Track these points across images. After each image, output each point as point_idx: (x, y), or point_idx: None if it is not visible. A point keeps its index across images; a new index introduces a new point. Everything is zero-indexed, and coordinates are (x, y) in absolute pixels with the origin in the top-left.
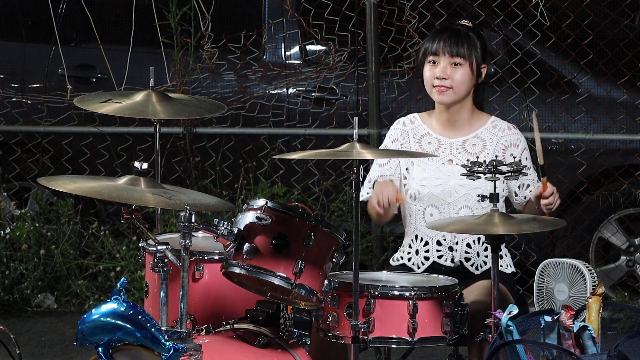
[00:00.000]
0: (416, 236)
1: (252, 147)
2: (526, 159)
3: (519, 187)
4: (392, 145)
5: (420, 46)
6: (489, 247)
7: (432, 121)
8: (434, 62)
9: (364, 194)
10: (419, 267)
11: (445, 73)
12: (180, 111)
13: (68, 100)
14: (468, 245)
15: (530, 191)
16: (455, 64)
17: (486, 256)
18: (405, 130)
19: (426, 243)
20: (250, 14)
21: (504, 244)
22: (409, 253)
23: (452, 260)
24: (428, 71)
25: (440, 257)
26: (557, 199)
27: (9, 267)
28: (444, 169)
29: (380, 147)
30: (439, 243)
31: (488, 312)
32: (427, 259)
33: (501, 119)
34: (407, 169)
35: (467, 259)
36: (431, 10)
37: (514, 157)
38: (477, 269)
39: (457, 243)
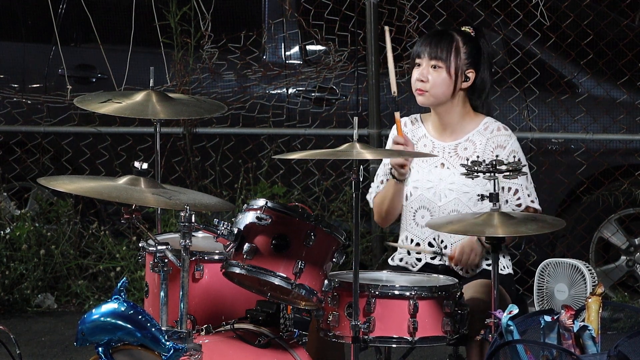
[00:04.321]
0: (406, 237)
1: (252, 147)
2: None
3: (502, 189)
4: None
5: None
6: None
7: (429, 124)
8: (418, 65)
9: (372, 192)
10: (413, 267)
11: (423, 75)
12: (180, 111)
13: (68, 100)
14: None
15: (518, 198)
16: (434, 67)
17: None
18: (405, 131)
19: (417, 244)
20: (250, 14)
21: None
22: (400, 253)
23: (441, 259)
24: (413, 74)
25: (433, 258)
26: (471, 258)
27: (9, 267)
28: (436, 172)
29: (387, 147)
30: (430, 245)
31: (488, 312)
32: (419, 260)
33: (501, 119)
34: None
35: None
36: (431, 10)
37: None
38: (467, 272)
39: (445, 247)
